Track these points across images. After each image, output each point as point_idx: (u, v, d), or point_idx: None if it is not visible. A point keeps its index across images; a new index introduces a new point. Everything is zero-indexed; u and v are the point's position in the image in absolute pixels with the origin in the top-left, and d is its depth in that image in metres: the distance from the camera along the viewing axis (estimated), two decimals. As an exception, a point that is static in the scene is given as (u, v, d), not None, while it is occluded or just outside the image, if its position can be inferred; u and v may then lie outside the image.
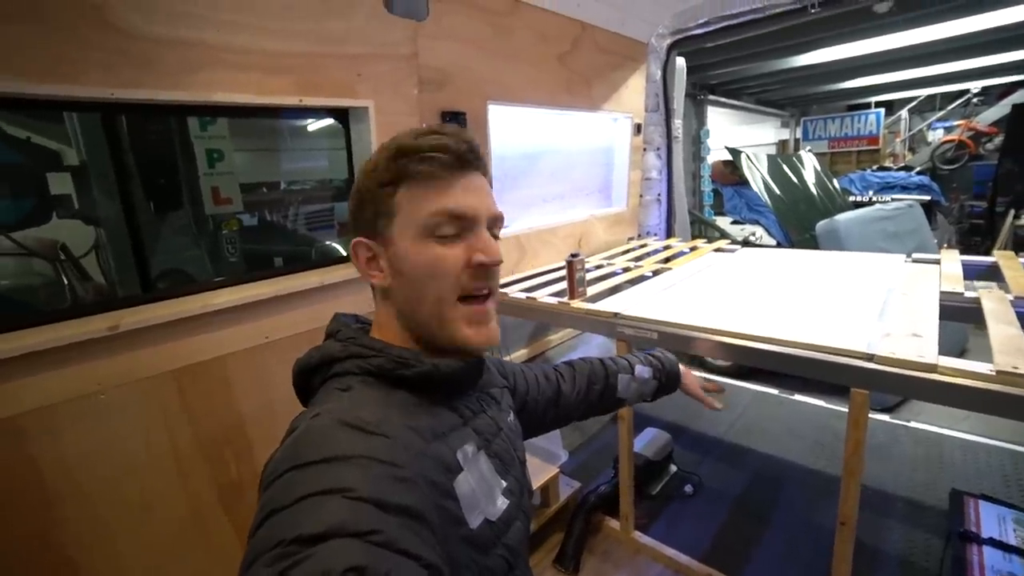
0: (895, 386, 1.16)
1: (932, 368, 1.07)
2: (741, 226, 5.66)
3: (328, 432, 0.45)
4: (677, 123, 2.99)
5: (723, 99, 5.76)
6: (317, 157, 2.36)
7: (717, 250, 2.59)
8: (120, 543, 1.21)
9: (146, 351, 1.22)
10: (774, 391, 2.89)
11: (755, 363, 1.38)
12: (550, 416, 0.87)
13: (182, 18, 1.16)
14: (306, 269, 1.59)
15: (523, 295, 1.95)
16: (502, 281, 2.17)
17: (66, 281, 1.73)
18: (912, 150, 7.48)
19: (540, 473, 1.84)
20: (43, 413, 1.09)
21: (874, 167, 7.03)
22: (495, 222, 0.58)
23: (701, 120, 5.87)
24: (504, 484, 0.58)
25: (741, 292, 1.81)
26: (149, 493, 1.25)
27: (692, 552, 1.74)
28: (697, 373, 1.24)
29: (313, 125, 2.17)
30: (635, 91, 2.81)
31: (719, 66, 4.10)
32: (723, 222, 5.83)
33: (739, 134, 7.18)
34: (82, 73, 1.05)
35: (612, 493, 1.91)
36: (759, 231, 5.38)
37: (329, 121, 1.69)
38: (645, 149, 2.96)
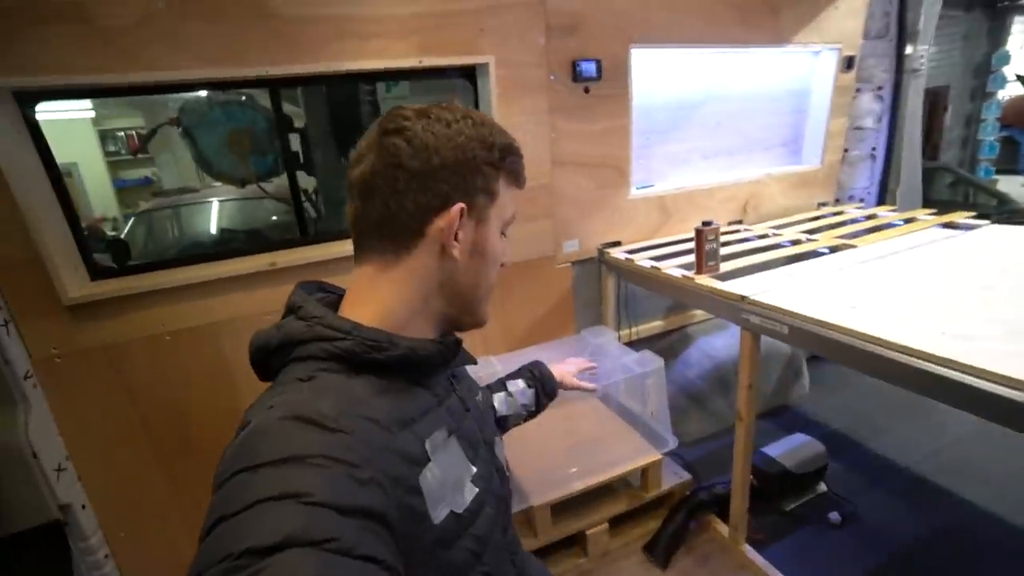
0: None
1: None
2: (1043, 189, 4.02)
3: (283, 429, 0.41)
4: (920, 50, 2.22)
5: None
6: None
7: (947, 225, 1.92)
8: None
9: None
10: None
11: (923, 391, 1.02)
12: None
13: (318, -3, 1.32)
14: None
15: (649, 263, 1.78)
16: (633, 247, 2.01)
17: (296, 220, 2.25)
18: None
19: (641, 455, 1.73)
20: (228, 323, 1.48)
21: None
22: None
23: (996, 40, 4.25)
24: (474, 470, 0.57)
25: (952, 288, 1.32)
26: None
27: (812, 591, 1.45)
28: (575, 360, 1.10)
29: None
30: (848, 12, 2.14)
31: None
32: (1011, 183, 4.23)
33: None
34: (245, 55, 1.30)
35: (728, 495, 1.70)
36: (1072, 198, 3.75)
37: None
38: (859, 89, 2.28)
